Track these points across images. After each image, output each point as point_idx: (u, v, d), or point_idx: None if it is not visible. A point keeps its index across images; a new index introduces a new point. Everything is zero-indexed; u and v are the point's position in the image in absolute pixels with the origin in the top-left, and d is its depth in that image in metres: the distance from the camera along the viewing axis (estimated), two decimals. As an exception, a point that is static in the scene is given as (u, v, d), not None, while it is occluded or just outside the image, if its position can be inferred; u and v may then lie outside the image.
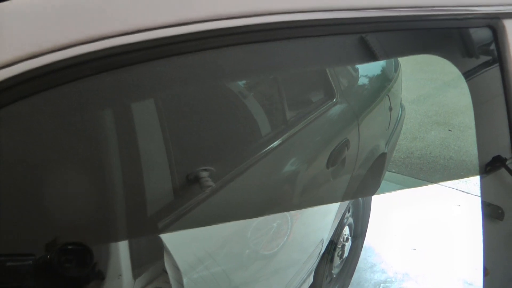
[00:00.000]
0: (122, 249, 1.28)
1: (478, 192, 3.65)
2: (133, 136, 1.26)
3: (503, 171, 0.91)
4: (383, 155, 2.88)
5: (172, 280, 1.35)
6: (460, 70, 0.95)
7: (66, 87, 0.70)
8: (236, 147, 1.76)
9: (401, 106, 3.43)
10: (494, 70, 0.85)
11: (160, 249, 1.34)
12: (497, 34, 0.85)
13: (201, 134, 1.61)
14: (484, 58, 0.90)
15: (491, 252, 1.01)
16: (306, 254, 2.20)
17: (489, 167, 0.93)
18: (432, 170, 4.84)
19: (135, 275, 1.32)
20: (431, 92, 6.72)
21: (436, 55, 0.95)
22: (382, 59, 1.25)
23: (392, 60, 3.34)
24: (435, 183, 4.56)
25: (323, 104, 2.24)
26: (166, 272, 1.35)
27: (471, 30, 0.90)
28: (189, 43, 0.73)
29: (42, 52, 0.64)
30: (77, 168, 1.09)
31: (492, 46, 0.85)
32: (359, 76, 2.83)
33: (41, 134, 0.89)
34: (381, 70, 3.18)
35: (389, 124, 3.05)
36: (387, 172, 3.55)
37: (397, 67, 3.35)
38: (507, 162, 0.89)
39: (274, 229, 1.84)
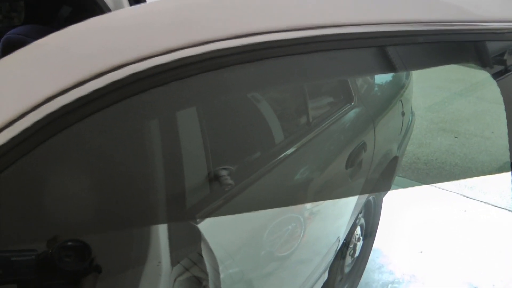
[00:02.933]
0: (162, 237, 1.35)
1: (484, 198, 3.74)
2: (177, 139, 1.35)
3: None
4: (395, 158, 2.96)
5: (209, 269, 1.43)
6: (493, 76, 1.04)
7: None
8: (262, 147, 1.84)
9: (412, 112, 3.51)
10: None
11: (197, 239, 1.42)
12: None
13: (229, 135, 1.68)
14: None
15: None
16: (323, 250, 2.28)
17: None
18: (438, 175, 4.91)
19: (173, 263, 1.39)
20: (438, 99, 6.78)
21: (476, 64, 1.04)
22: (427, 67, 1.34)
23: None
24: (445, 180, 4.63)
25: (343, 107, 2.32)
26: (203, 260, 1.42)
27: (505, 43, 1.00)
28: (227, 57, 0.80)
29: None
30: (127, 165, 1.17)
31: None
32: (375, 81, 2.91)
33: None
34: (395, 77, 3.26)
35: (401, 129, 3.14)
36: (396, 176, 3.64)
37: (408, 74, 3.43)
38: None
39: (289, 231, 1.91)
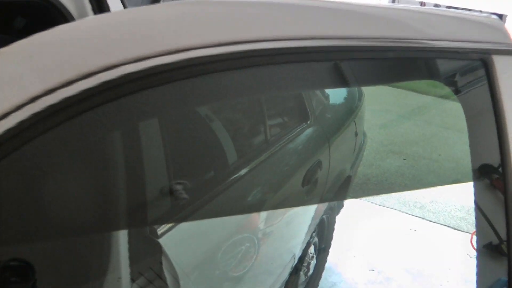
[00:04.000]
0: (122, 252, 1.34)
1: (432, 217, 3.84)
2: (138, 152, 1.34)
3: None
4: (349, 177, 3.02)
5: (169, 283, 1.42)
6: (454, 92, 1.09)
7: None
8: (220, 164, 1.84)
9: (364, 133, 3.58)
10: (485, 95, 1.00)
11: (158, 253, 1.41)
12: (487, 66, 1.01)
13: (188, 152, 1.69)
14: (476, 83, 1.05)
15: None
16: (278, 270, 2.29)
17: (481, 173, 1.07)
18: (388, 196, 5.02)
19: (134, 278, 1.38)
20: (387, 122, 6.93)
21: (435, 80, 1.09)
22: (388, 83, 1.38)
23: (357, 89, 3.50)
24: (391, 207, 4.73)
25: (299, 126, 2.36)
26: (164, 275, 1.41)
27: (466, 62, 1.06)
28: (179, 70, 0.82)
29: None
30: (82, 175, 1.16)
31: (484, 76, 1.01)
32: (330, 102, 2.97)
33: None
34: (348, 98, 3.33)
35: (355, 149, 3.20)
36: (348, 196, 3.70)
37: (361, 96, 3.50)
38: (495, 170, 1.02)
39: (243, 251, 1.92)
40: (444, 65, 1.09)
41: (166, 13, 0.85)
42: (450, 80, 1.09)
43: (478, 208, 1.09)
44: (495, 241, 1.04)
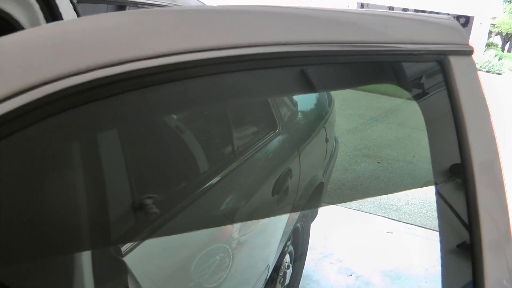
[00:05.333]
0: (86, 273, 1.30)
1: (408, 219, 3.86)
2: (99, 166, 1.31)
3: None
4: (321, 184, 3.01)
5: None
6: (413, 95, 1.09)
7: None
8: (188, 176, 1.82)
9: (335, 139, 3.59)
10: (443, 95, 0.99)
11: (123, 272, 1.38)
12: (444, 67, 1.00)
13: (153, 164, 1.66)
14: (433, 85, 1.04)
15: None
16: (253, 280, 2.26)
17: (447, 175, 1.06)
18: (363, 200, 5.03)
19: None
20: (360, 127, 6.98)
21: (393, 83, 1.08)
22: (345, 88, 1.37)
23: (326, 95, 3.50)
24: (368, 212, 4.74)
25: (267, 135, 2.34)
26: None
27: (424, 64, 1.05)
28: (148, 77, 0.79)
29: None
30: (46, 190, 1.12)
31: (441, 77, 1.00)
32: (298, 109, 2.96)
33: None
34: (318, 104, 3.33)
35: (326, 155, 3.20)
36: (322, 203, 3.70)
37: (330, 102, 3.51)
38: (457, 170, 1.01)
39: (217, 261, 1.89)
40: (401, 68, 1.08)
41: (119, 21, 0.82)
42: (408, 83, 1.08)
43: (441, 208, 1.08)
44: (459, 240, 1.03)
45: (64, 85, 0.71)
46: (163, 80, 0.81)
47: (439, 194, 1.08)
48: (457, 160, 1.01)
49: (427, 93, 1.07)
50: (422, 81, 1.07)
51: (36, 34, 0.80)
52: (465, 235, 0.99)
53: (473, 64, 1.07)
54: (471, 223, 0.98)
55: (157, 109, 1.01)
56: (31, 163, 0.88)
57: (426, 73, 1.08)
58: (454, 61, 1.03)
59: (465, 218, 0.99)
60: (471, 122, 1.01)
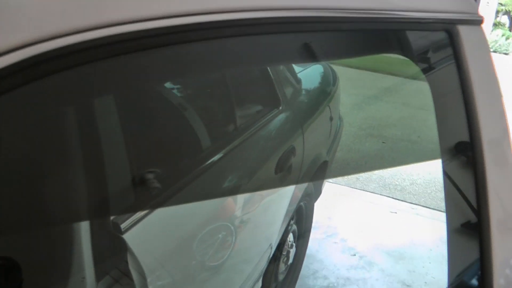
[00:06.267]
0: (85, 251, 1.27)
1: (413, 200, 3.84)
2: (95, 139, 1.27)
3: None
4: (325, 163, 2.97)
5: (136, 280, 1.36)
6: (420, 67, 1.04)
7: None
8: (190, 152, 1.79)
9: (340, 118, 3.55)
10: (451, 67, 0.95)
11: (123, 249, 1.36)
12: (453, 37, 0.96)
13: (155, 139, 1.63)
14: (441, 56, 1.00)
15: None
16: (256, 258, 2.25)
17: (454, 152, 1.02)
18: (368, 180, 5.00)
19: (98, 277, 1.32)
20: (364, 106, 6.94)
21: (399, 54, 1.04)
22: (350, 57, 1.33)
23: (331, 73, 3.46)
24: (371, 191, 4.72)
25: (270, 112, 2.31)
26: (129, 273, 1.35)
27: (431, 33, 1.01)
28: (144, 39, 0.73)
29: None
30: (40, 169, 1.09)
31: (449, 47, 0.96)
32: (302, 87, 2.92)
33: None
34: (322, 82, 3.29)
35: (330, 134, 3.16)
36: (326, 182, 3.68)
37: (335, 80, 3.47)
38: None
39: (220, 239, 1.87)
40: (408, 38, 1.04)
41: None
42: (415, 53, 1.04)
43: (448, 187, 1.05)
44: (466, 220, 0.99)
45: (63, 43, 0.66)
46: (162, 44, 0.76)
47: (446, 172, 1.04)
48: (464, 137, 0.97)
49: (435, 64, 1.03)
50: (429, 52, 1.03)
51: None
52: (472, 214, 0.96)
53: (482, 34, 1.03)
54: (479, 202, 0.95)
55: (158, 74, 0.97)
56: (25, 126, 0.83)
57: (434, 43, 1.04)
58: (463, 30, 0.99)
59: (473, 196, 0.96)
60: (480, 96, 0.97)
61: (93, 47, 0.68)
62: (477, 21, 1.01)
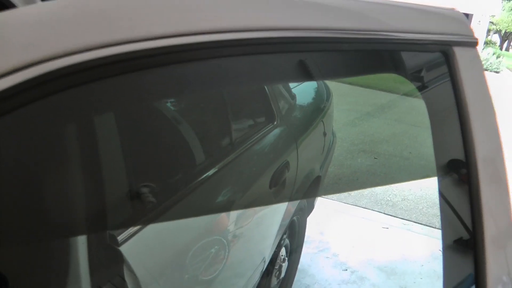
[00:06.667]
0: (81, 263, 1.28)
1: (404, 215, 3.85)
2: (95, 151, 1.28)
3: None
4: (318, 178, 2.99)
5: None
6: (415, 85, 1.07)
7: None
8: (186, 166, 1.80)
9: (333, 133, 3.57)
10: (447, 87, 0.98)
11: (119, 262, 1.36)
12: (448, 58, 0.98)
13: (148, 152, 1.64)
14: (438, 76, 1.03)
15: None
16: (248, 273, 2.25)
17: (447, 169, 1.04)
18: (359, 195, 5.02)
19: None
20: (357, 122, 6.98)
21: (397, 74, 1.06)
22: (350, 76, 1.36)
23: (325, 89, 3.49)
24: (362, 206, 4.74)
25: (265, 126, 2.33)
26: (125, 284, 1.36)
27: (428, 54, 1.04)
28: (148, 58, 0.76)
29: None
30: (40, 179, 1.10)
31: (445, 68, 0.98)
32: (297, 102, 2.95)
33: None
34: (316, 98, 3.32)
35: (323, 149, 3.18)
36: (319, 197, 3.70)
37: (329, 95, 3.50)
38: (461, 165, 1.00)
39: (213, 254, 1.88)
40: (405, 58, 1.07)
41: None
42: (411, 73, 1.07)
43: (443, 204, 1.07)
44: (461, 236, 1.01)
45: (63, 63, 0.68)
46: (161, 63, 0.78)
47: (441, 189, 1.06)
48: (459, 154, 0.99)
49: (431, 84, 1.05)
50: (426, 71, 1.05)
51: (34, 11, 0.78)
52: (467, 230, 0.98)
53: (477, 55, 1.05)
54: (474, 219, 0.97)
55: (155, 93, 0.99)
56: (27, 144, 0.85)
57: (431, 63, 1.06)
58: (458, 52, 1.01)
59: (467, 213, 0.98)
60: (475, 114, 1.00)
61: (95, 67, 0.71)
62: (472, 43, 1.04)
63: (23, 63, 0.67)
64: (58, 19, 0.73)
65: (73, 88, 0.70)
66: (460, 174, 1.02)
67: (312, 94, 3.29)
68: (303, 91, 3.13)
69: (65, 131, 1.09)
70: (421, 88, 1.07)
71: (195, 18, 0.80)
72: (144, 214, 1.48)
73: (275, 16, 0.86)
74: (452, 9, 1.10)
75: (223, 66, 0.91)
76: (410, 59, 1.07)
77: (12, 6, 1.43)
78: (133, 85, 0.83)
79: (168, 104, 1.77)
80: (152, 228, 1.51)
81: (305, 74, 1.04)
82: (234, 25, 0.81)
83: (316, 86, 3.41)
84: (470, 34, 1.06)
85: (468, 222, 0.99)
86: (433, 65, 1.05)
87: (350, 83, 5.96)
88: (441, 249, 1.04)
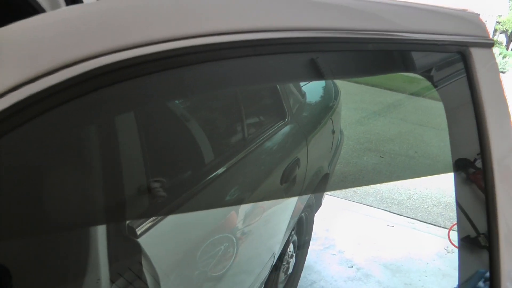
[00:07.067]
0: (101, 254, 1.31)
1: (409, 214, 3.87)
2: (116, 149, 1.32)
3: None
4: (327, 175, 3.02)
5: (149, 283, 1.40)
6: (433, 85, 1.10)
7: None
8: (195, 161, 1.82)
9: (341, 131, 3.59)
10: (464, 86, 1.01)
11: (137, 253, 1.39)
12: (465, 58, 1.01)
13: (166, 149, 1.67)
14: (456, 76, 1.05)
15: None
16: (257, 269, 2.28)
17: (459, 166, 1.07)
18: (365, 193, 5.04)
19: (113, 279, 1.36)
20: (363, 120, 6.99)
21: (416, 73, 1.09)
22: (370, 75, 1.39)
23: (333, 87, 3.51)
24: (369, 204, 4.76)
25: (277, 123, 2.35)
26: (144, 275, 1.39)
27: (446, 54, 1.07)
28: (156, 62, 0.79)
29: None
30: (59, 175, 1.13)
31: (462, 68, 1.01)
32: (306, 100, 2.97)
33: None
34: (325, 96, 3.34)
35: (332, 147, 3.21)
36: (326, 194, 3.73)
37: (337, 94, 3.52)
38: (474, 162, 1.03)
39: (222, 251, 1.90)
40: (423, 58, 1.09)
41: (142, 3, 0.83)
42: (429, 73, 1.09)
43: (459, 201, 1.09)
44: (476, 234, 1.04)
45: (87, 67, 0.72)
46: (177, 65, 0.81)
47: (457, 187, 1.09)
48: (476, 151, 1.02)
49: (448, 84, 1.08)
50: (444, 71, 1.08)
51: (58, 16, 0.81)
52: (483, 227, 1.01)
53: (493, 56, 1.08)
54: (489, 217, 0.99)
55: (169, 94, 1.02)
56: (51, 145, 0.89)
57: (447, 64, 1.09)
58: (475, 52, 1.04)
59: (483, 211, 1.00)
60: (490, 113, 1.02)
61: (123, 68, 0.75)
62: (489, 44, 1.06)
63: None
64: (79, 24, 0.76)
65: (97, 92, 0.75)
66: (475, 172, 1.05)
67: (321, 92, 3.31)
68: (313, 89, 3.15)
69: (89, 131, 1.13)
70: (439, 87, 1.10)
71: (205, 21, 0.82)
72: (156, 209, 1.51)
73: (290, 17, 0.89)
74: (468, 11, 1.13)
75: (236, 66, 0.94)
76: (429, 59, 1.10)
77: (38, 5, 1.46)
78: (153, 87, 0.87)
79: (180, 103, 1.79)
80: (164, 224, 1.54)
81: (323, 74, 1.07)
82: (244, 26, 0.84)
83: (325, 84, 3.43)
84: (486, 35, 1.08)
85: (483, 220, 1.01)
86: (450, 65, 1.08)
87: (356, 82, 5.96)
88: (458, 246, 1.07)
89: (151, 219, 1.49)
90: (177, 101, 1.74)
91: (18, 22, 0.76)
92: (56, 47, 0.73)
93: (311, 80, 2.46)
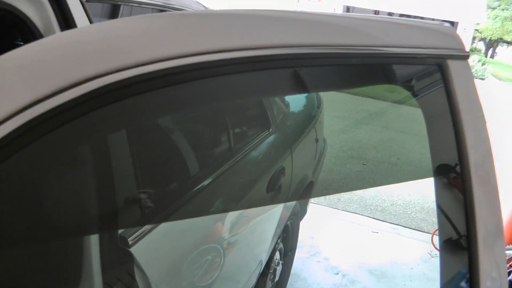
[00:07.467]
0: (94, 263, 1.34)
1: (393, 220, 3.93)
2: (108, 162, 1.35)
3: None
4: (311, 183, 3.07)
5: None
6: (413, 95, 1.15)
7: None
8: (180, 173, 1.86)
9: (324, 139, 3.64)
10: (442, 97, 1.06)
11: (130, 262, 1.42)
12: (443, 70, 1.07)
13: (155, 160, 1.70)
14: (434, 86, 1.11)
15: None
16: (244, 278, 2.31)
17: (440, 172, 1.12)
18: (349, 201, 5.10)
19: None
20: (345, 128, 7.05)
21: (395, 85, 1.15)
22: (351, 88, 1.44)
23: (315, 96, 3.56)
24: (353, 211, 4.81)
25: (261, 133, 2.40)
26: (136, 283, 1.42)
27: (424, 67, 1.12)
28: (146, 82, 0.84)
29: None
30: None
31: (440, 79, 1.07)
32: (290, 110, 3.02)
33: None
34: (308, 105, 3.39)
35: (316, 155, 3.26)
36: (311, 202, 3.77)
37: (320, 103, 3.56)
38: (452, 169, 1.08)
39: (209, 261, 1.93)
40: (403, 70, 1.15)
41: (136, 26, 0.87)
42: (409, 83, 1.15)
43: (440, 205, 1.14)
44: (456, 236, 1.09)
45: (84, 90, 0.77)
46: (163, 85, 0.86)
47: (437, 192, 1.14)
48: (455, 158, 1.07)
49: (428, 94, 1.14)
50: (423, 82, 1.14)
51: (68, 37, 0.86)
52: (462, 229, 1.06)
53: (469, 67, 1.13)
54: (468, 220, 1.04)
55: (158, 111, 1.06)
56: (47, 163, 0.93)
57: (426, 75, 1.15)
58: (452, 64, 1.09)
59: (462, 215, 1.05)
60: (467, 121, 1.08)
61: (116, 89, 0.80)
62: (464, 56, 1.12)
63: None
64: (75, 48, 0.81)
65: (92, 113, 0.80)
66: (454, 177, 1.10)
67: (304, 102, 3.36)
68: (296, 98, 3.20)
69: (84, 148, 1.17)
70: (418, 97, 1.15)
71: (196, 40, 0.87)
72: (148, 219, 1.55)
73: (273, 35, 0.93)
74: (445, 25, 1.18)
75: (223, 83, 0.99)
76: (408, 71, 1.15)
77: (31, 24, 1.50)
78: (145, 106, 0.91)
79: (168, 118, 1.83)
80: (152, 235, 1.57)
81: (305, 88, 1.11)
82: (232, 45, 0.89)
83: (308, 93, 3.48)
84: (462, 47, 1.14)
85: (462, 223, 1.06)
86: (429, 77, 1.13)
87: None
88: (439, 248, 1.12)
89: (143, 228, 1.52)
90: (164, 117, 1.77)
91: (34, 43, 0.80)
92: (50, 73, 0.77)
93: (296, 94, 2.51)
